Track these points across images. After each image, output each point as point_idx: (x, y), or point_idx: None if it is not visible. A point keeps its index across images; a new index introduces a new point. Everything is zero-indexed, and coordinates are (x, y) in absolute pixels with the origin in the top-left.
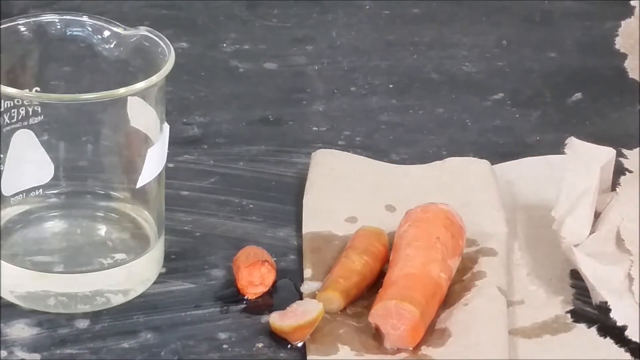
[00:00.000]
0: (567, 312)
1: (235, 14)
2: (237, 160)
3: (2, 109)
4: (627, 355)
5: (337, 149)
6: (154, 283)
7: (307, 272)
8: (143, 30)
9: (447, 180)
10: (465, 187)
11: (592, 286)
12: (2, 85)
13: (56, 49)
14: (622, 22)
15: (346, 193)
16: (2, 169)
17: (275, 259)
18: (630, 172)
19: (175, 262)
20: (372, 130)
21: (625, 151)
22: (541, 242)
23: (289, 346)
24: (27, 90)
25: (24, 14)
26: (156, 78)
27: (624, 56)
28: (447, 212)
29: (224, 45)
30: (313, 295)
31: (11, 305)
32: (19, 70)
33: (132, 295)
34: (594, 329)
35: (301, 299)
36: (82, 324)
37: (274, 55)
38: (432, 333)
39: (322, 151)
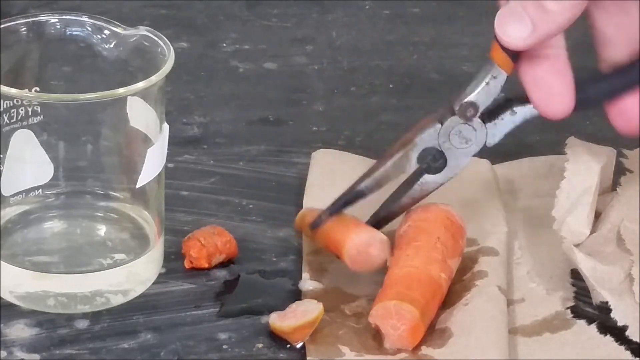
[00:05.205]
0: (567, 308)
1: (235, 14)
2: (237, 160)
3: (2, 109)
4: (628, 354)
5: (337, 149)
6: (154, 283)
7: (306, 273)
8: (143, 30)
9: None
10: (465, 187)
11: (593, 286)
12: (2, 85)
13: (56, 49)
14: None
15: None
16: (1, 169)
17: (275, 259)
18: (631, 172)
19: (175, 262)
20: (372, 130)
21: (625, 151)
22: (541, 242)
23: (289, 346)
24: (27, 90)
25: (24, 14)
26: (156, 78)
27: None
28: (447, 212)
29: (224, 45)
30: (313, 296)
31: (11, 306)
32: (18, 70)
33: (132, 295)
34: (594, 327)
35: (301, 299)
36: (82, 324)
37: (274, 55)
38: (432, 333)
39: (322, 151)
